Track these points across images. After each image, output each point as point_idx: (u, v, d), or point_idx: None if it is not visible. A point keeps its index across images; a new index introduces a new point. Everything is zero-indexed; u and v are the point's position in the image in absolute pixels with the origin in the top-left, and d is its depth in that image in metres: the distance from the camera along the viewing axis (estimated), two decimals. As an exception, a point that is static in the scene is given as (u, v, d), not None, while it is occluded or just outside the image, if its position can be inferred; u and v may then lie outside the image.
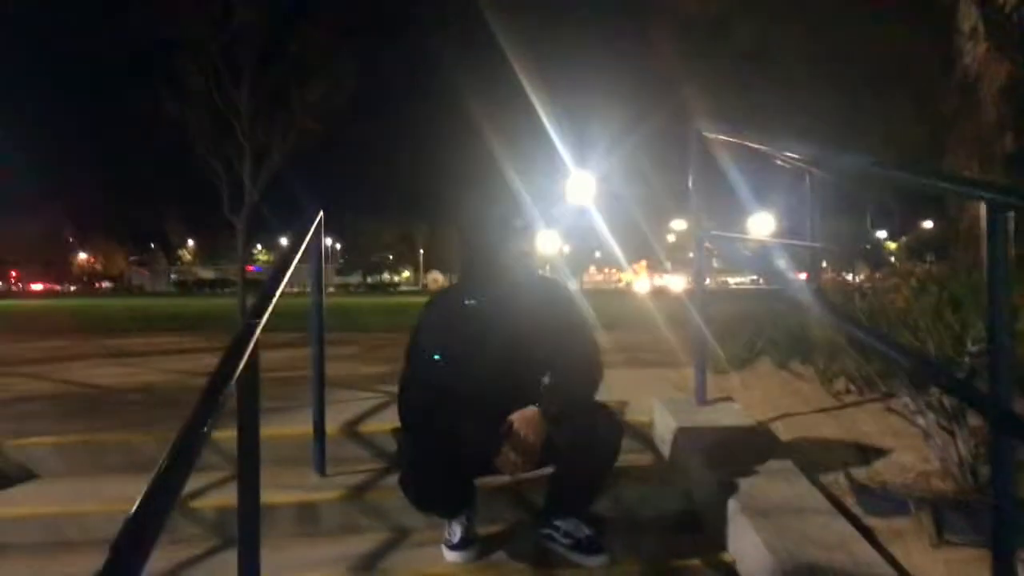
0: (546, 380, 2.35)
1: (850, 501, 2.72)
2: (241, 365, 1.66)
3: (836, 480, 2.84)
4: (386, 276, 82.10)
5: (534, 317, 2.41)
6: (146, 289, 73.03)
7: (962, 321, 2.68)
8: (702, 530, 2.69)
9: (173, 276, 78.86)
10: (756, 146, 2.74)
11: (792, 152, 2.65)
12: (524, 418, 2.29)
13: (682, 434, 2.97)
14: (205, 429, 1.32)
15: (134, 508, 1.07)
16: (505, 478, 2.69)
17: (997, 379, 1.51)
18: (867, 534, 2.46)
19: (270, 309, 2.03)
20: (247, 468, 1.75)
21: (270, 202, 13.93)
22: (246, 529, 1.73)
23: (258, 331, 1.86)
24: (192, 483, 2.81)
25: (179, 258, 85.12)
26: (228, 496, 2.74)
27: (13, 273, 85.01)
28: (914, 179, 1.90)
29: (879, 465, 2.97)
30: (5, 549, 2.53)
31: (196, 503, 2.67)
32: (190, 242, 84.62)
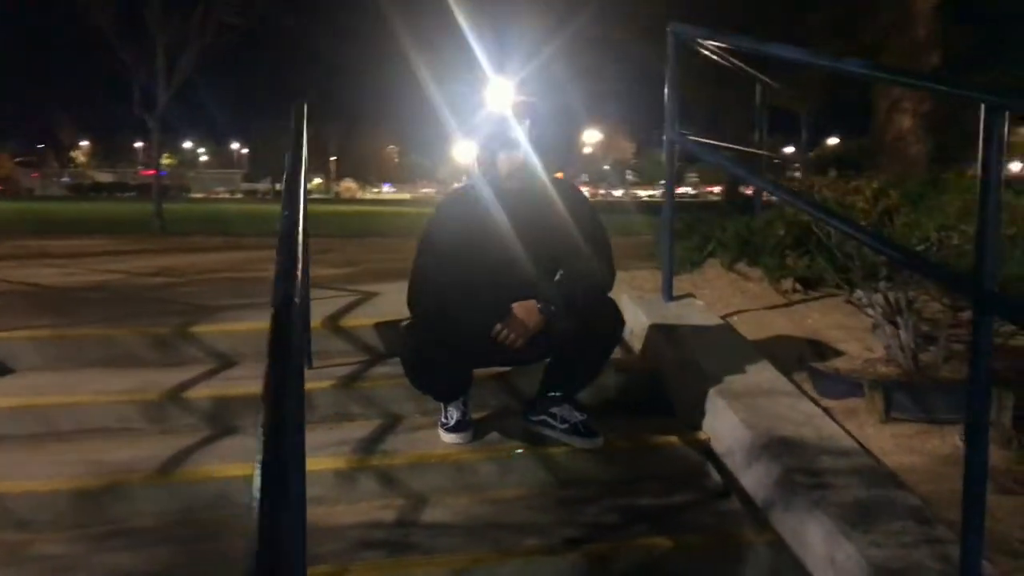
0: (557, 277, 2.46)
1: (807, 386, 2.98)
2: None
3: (792, 368, 3.10)
4: (296, 183, 79.47)
5: (546, 218, 2.48)
6: (36, 193, 68.82)
7: (916, 220, 2.92)
8: (674, 414, 2.90)
9: (66, 179, 74.42)
10: (750, 47, 2.82)
11: (787, 54, 2.74)
12: (523, 307, 2.41)
13: (653, 328, 3.16)
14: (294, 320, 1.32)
15: (270, 394, 1.05)
16: (498, 368, 2.83)
17: (982, 264, 1.70)
18: (826, 413, 2.72)
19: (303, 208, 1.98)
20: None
21: (176, 103, 13.25)
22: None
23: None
24: (183, 374, 2.87)
25: (72, 160, 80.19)
26: (220, 387, 2.80)
27: None
28: (913, 81, 2.04)
29: (829, 354, 3.25)
30: (1, 440, 2.52)
31: (189, 393, 2.70)
32: (84, 143, 79.73)
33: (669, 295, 3.43)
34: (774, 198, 3.78)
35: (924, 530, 2.05)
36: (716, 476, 2.59)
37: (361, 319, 3.28)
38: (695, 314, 3.32)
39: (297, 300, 1.30)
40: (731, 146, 4.52)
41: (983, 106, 1.67)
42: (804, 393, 2.84)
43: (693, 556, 2.21)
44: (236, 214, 21.25)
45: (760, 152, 4.63)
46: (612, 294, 3.44)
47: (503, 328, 2.37)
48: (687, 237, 4.68)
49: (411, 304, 2.51)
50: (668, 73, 3.25)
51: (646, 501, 2.46)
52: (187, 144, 74.53)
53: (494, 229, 2.46)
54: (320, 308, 3.38)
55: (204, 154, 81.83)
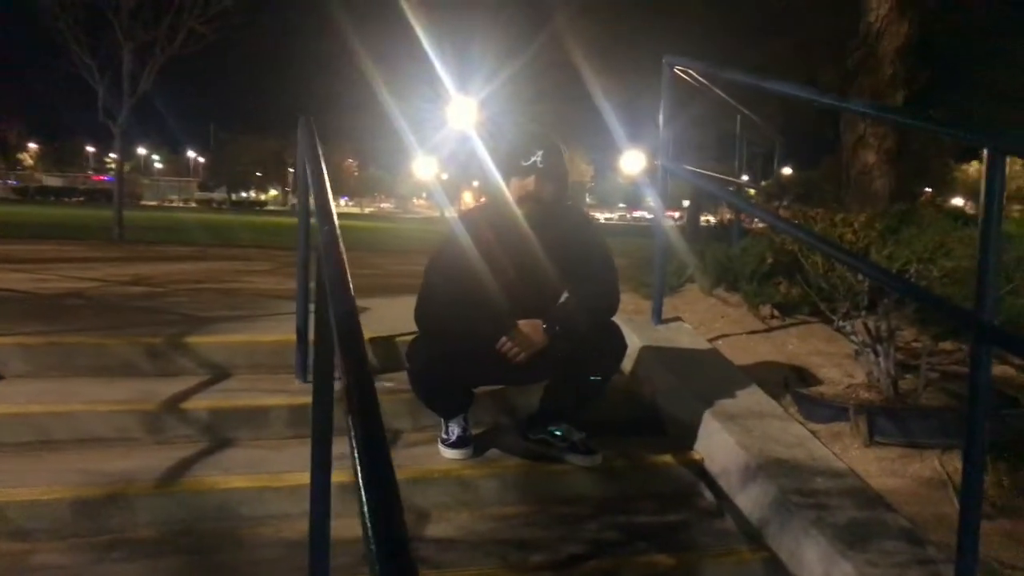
0: (562, 299, 2.52)
1: (792, 410, 3.07)
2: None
3: (777, 392, 3.20)
4: (252, 193, 78.83)
5: (554, 242, 2.53)
6: (-20, 194, 66.80)
7: (894, 252, 3.05)
8: (667, 434, 2.97)
9: (12, 182, 72.41)
10: (743, 80, 2.93)
11: (791, 91, 2.85)
12: (529, 324, 2.46)
13: (644, 350, 3.23)
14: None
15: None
16: (492, 387, 2.86)
17: (983, 296, 1.80)
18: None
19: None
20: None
21: (133, 109, 13.03)
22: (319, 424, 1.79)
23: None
24: (171, 387, 2.84)
25: (19, 162, 78.04)
26: (217, 399, 2.78)
27: None
28: (919, 123, 2.16)
29: (810, 379, 3.35)
30: (-7, 447, 2.47)
31: (186, 404, 2.68)
32: (31, 145, 77.67)
33: (659, 318, 3.51)
34: (757, 225, 3.90)
35: (916, 551, 2.14)
36: (710, 496, 2.66)
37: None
38: (684, 337, 3.41)
39: (355, 313, 1.32)
40: (718, 176, 4.65)
41: (985, 150, 1.78)
42: (792, 417, 2.93)
43: (693, 573, 2.27)
44: (194, 223, 20.91)
45: (737, 181, 4.77)
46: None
47: (507, 341, 2.42)
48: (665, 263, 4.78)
49: (419, 319, 2.54)
50: (663, 103, 3.35)
51: (644, 519, 2.52)
52: (141, 151, 73.10)
53: (503, 251, 2.51)
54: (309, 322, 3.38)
55: (158, 161, 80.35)
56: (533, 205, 2.45)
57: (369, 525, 0.86)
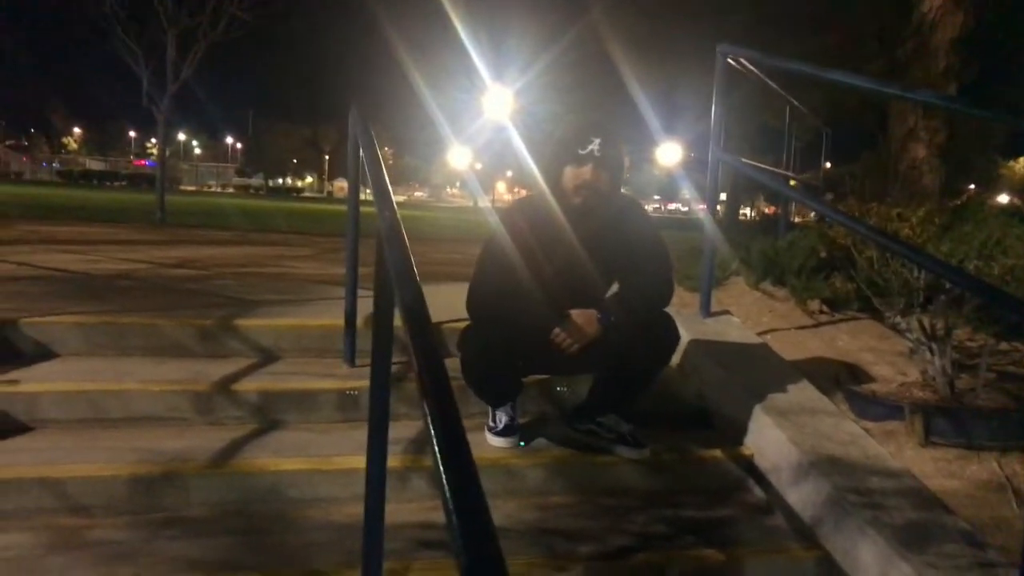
0: (614, 289, 2.49)
1: (843, 407, 3.02)
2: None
3: (828, 388, 3.14)
4: (288, 180, 79.59)
5: (608, 232, 2.49)
6: (26, 177, 68.25)
7: (953, 249, 2.98)
8: (713, 427, 2.94)
9: (57, 165, 73.80)
10: (800, 69, 2.87)
11: (853, 81, 2.78)
12: (583, 314, 2.43)
13: (692, 343, 3.19)
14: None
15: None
16: (538, 376, 2.85)
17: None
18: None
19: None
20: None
21: (193, 97, 13.24)
22: (375, 409, 1.79)
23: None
24: (222, 369, 2.87)
25: (64, 146, 79.61)
26: (266, 381, 2.80)
27: None
28: (987, 114, 2.09)
29: (862, 376, 3.29)
30: (50, 424, 2.51)
31: (237, 386, 2.71)
32: (76, 130, 79.20)
33: (707, 311, 3.47)
34: (803, 219, 3.81)
35: (976, 553, 2.09)
36: (759, 492, 2.62)
37: (397, 319, 3.29)
38: (733, 331, 3.36)
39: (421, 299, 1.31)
40: (770, 168, 4.57)
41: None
42: (844, 414, 2.87)
43: (743, 569, 2.24)
44: (232, 208, 21.19)
45: (788, 174, 4.69)
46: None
47: (561, 332, 2.40)
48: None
49: (471, 308, 2.53)
50: (715, 93, 3.29)
51: (692, 513, 2.49)
52: (181, 136, 74.09)
53: (557, 240, 2.48)
54: (361, 307, 3.40)
55: (197, 147, 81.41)
56: (589, 195, 2.42)
57: (452, 508, 0.84)
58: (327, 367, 2.98)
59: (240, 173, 75.03)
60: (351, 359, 2.99)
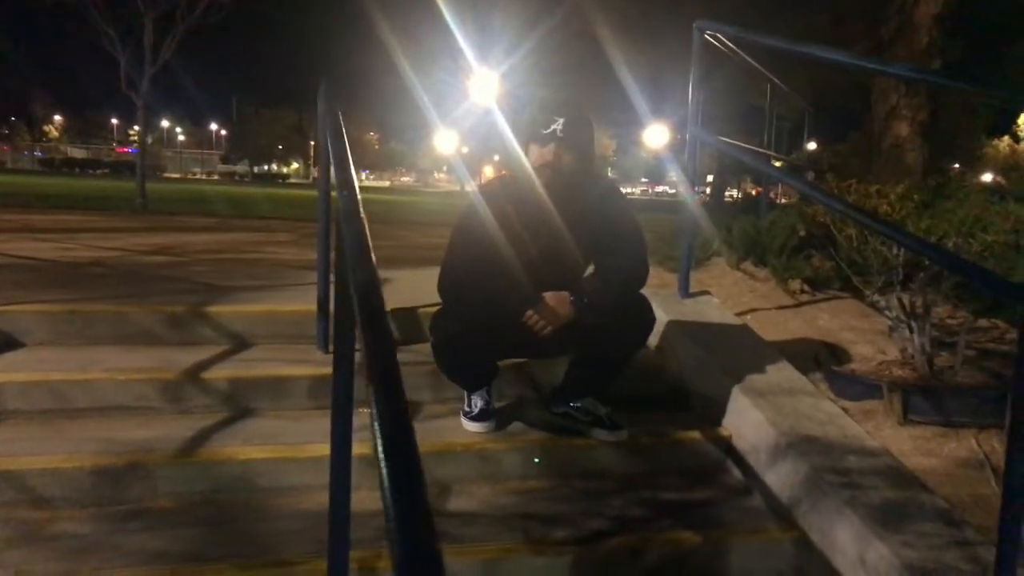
0: (589, 271, 2.45)
1: (823, 387, 2.99)
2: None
3: (807, 368, 3.12)
4: (274, 166, 79.02)
5: (578, 213, 2.44)
6: (7, 166, 67.49)
7: (931, 226, 2.95)
8: (692, 409, 2.91)
9: (39, 153, 72.95)
10: (778, 45, 2.82)
11: (825, 54, 2.71)
12: (555, 296, 2.39)
13: (670, 324, 3.15)
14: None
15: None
16: (515, 359, 2.81)
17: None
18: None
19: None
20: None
21: (156, 82, 13.00)
22: (339, 397, 1.75)
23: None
24: (193, 356, 2.81)
25: (45, 134, 78.66)
26: (237, 368, 2.75)
27: None
28: (967, 85, 2.05)
29: (842, 355, 3.27)
30: (13, 415, 2.46)
31: (207, 374, 2.65)
32: (57, 117, 78.27)
33: (686, 291, 3.43)
34: (785, 199, 3.77)
35: (954, 532, 2.07)
36: (738, 473, 2.60)
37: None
38: (712, 311, 3.33)
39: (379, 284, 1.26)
40: (751, 148, 4.53)
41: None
42: (823, 394, 2.85)
43: (720, 551, 2.21)
44: (216, 195, 20.98)
45: (769, 153, 4.64)
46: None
47: (533, 314, 2.35)
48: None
49: (442, 291, 2.48)
50: (693, 70, 3.24)
51: (670, 495, 2.46)
52: (164, 123, 73.37)
53: (525, 223, 2.43)
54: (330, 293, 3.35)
55: (181, 134, 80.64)
56: (551, 175, 2.37)
57: (389, 499, 0.80)
58: (300, 353, 2.93)
59: (224, 160, 74.48)
60: (324, 345, 2.94)
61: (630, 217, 2.53)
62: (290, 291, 3.61)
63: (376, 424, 0.92)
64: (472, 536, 2.16)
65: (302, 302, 3.08)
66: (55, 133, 78.74)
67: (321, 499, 2.30)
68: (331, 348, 2.97)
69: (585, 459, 2.56)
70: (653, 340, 3.26)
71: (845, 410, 2.82)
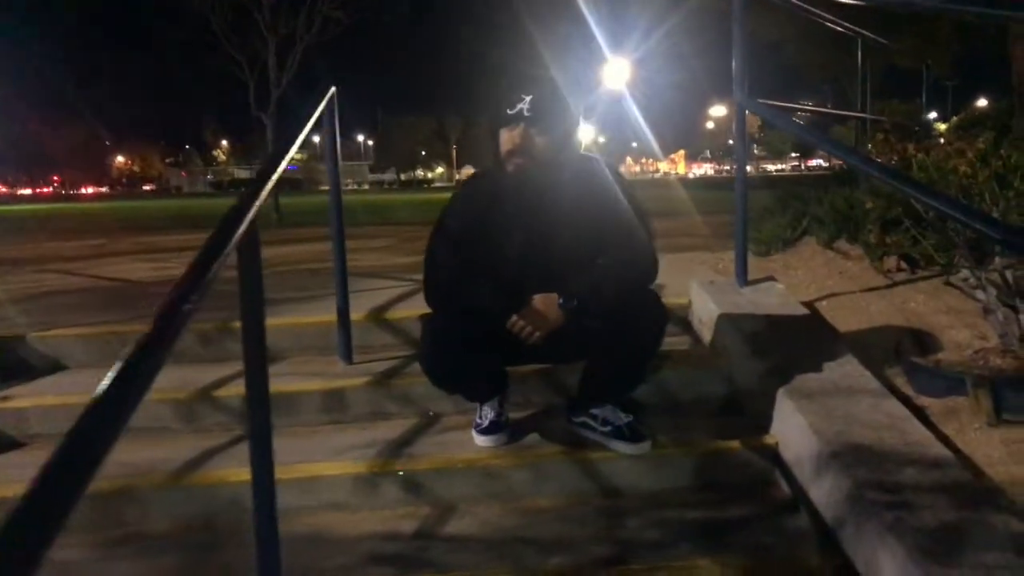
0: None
1: (901, 381, 2.58)
2: (241, 229, 1.51)
3: (887, 360, 2.70)
4: (419, 172, 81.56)
5: (563, 201, 2.19)
6: (184, 190, 73.66)
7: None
8: (744, 414, 2.57)
9: (209, 176, 79.14)
10: None
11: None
12: (543, 299, 2.15)
13: (722, 317, 2.82)
14: (195, 297, 1.17)
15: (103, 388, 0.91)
16: (539, 366, 2.60)
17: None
18: (919, 414, 2.33)
19: (276, 174, 1.88)
20: (251, 345, 1.63)
21: (302, 100, 13.62)
22: (256, 417, 1.63)
23: (263, 194, 1.70)
24: (216, 373, 2.78)
25: (214, 158, 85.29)
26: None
27: (56, 178, 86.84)
28: None
29: (933, 343, 2.81)
30: (35, 439, 2.52)
31: (220, 392, 2.62)
32: (224, 142, 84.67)
33: (744, 279, 3.07)
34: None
35: (1029, 565, 1.67)
36: (785, 487, 2.26)
37: (407, 310, 3.12)
38: (772, 300, 2.95)
39: (189, 308, 1.11)
40: (819, 109, 4.04)
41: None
42: (894, 391, 2.44)
43: (743, 583, 1.91)
44: (357, 204, 21.77)
45: (863, 116, 4.12)
46: (677, 279, 3.10)
47: (519, 319, 2.12)
48: (779, 213, 4.26)
49: (426, 296, 2.30)
50: (734, 27, 2.87)
51: (697, 515, 2.17)
52: (315, 139, 77.45)
53: (510, 215, 2.20)
54: (367, 299, 3.26)
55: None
56: (522, 161, 2.11)
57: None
58: (323, 366, 2.85)
59: (372, 169, 77.64)
60: (347, 356, 2.85)
61: (628, 205, 2.23)
62: (331, 300, 3.56)
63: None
64: (460, 564, 1.97)
65: (325, 312, 3.00)
66: (223, 157, 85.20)
67: (310, 520, 2.21)
68: (356, 358, 2.90)
69: (606, 474, 2.30)
70: (706, 334, 2.95)
71: (924, 409, 2.41)
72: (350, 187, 69.81)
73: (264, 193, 1.69)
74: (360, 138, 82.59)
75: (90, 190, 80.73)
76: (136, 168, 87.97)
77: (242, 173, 73.80)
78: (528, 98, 2.08)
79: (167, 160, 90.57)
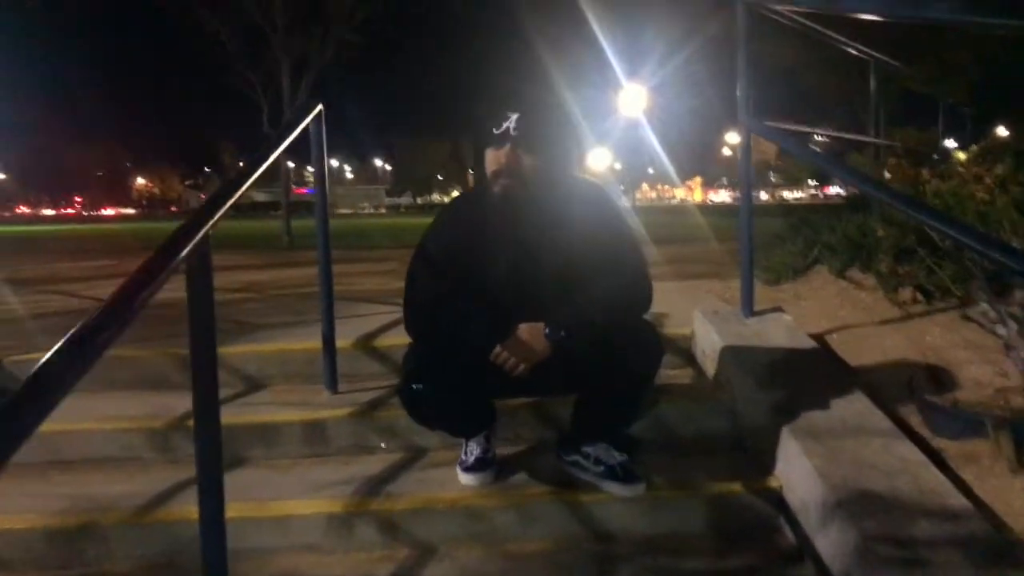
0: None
1: (916, 421, 2.42)
2: (193, 242, 1.41)
3: (900, 398, 2.54)
4: (436, 196, 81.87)
5: (550, 226, 2.07)
6: (204, 213, 74.06)
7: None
8: (747, 453, 2.42)
9: (228, 200, 79.59)
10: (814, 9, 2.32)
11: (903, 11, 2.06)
12: (529, 329, 2.01)
13: (726, 349, 2.68)
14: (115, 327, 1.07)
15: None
16: (530, 399, 2.46)
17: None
18: (935, 458, 2.17)
19: (240, 192, 1.79)
20: (201, 370, 1.52)
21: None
22: (204, 449, 1.51)
23: (221, 211, 1.60)
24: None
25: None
26: (235, 414, 2.58)
27: (78, 199, 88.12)
28: None
29: (950, 380, 2.65)
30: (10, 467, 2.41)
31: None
32: (241, 164, 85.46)
33: (750, 309, 2.93)
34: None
35: (1054, 633, 1.51)
36: (790, 535, 2.11)
37: (397, 337, 2.98)
38: (779, 332, 2.81)
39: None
40: (828, 133, 3.91)
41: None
42: (908, 431, 2.28)
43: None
44: (371, 228, 21.77)
45: (875, 141, 3.99)
46: (682, 308, 2.96)
47: (502, 351, 1.99)
48: (790, 240, 4.12)
49: (406, 326, 2.18)
50: (740, 47, 2.76)
51: (694, 563, 2.03)
52: (334, 162, 78.16)
53: (495, 239, 2.08)
54: (358, 325, 3.14)
55: (349, 171, 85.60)
56: (508, 182, 1.99)
57: None
58: (307, 395, 2.73)
59: (389, 193, 78.03)
60: (332, 385, 2.72)
61: (620, 229, 2.11)
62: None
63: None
64: (434, 613, 1.84)
65: (312, 339, 2.88)
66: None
67: (283, 562, 2.08)
68: (341, 387, 2.77)
69: (598, 517, 2.16)
70: (710, 368, 2.80)
71: (940, 452, 2.25)
72: (367, 211, 70.09)
73: (218, 215, 1.59)
74: (378, 162, 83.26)
75: (111, 211, 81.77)
76: (156, 190, 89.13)
77: (260, 196, 74.37)
78: (514, 116, 1.97)
79: (187, 182, 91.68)
